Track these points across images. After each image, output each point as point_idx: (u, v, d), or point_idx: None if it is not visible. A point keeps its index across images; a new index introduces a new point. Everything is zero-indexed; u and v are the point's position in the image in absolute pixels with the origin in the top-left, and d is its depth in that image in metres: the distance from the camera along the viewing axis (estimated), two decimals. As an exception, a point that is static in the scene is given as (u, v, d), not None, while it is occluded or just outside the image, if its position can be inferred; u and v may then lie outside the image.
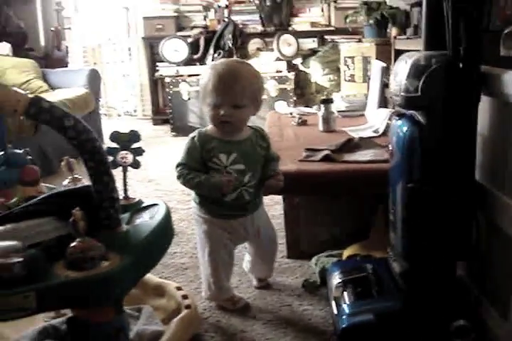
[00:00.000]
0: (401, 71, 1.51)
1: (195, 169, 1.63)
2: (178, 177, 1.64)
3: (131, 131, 1.47)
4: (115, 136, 1.46)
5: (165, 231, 1.38)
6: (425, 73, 1.43)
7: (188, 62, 5.03)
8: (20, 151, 1.37)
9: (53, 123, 1.11)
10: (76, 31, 5.79)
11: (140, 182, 3.34)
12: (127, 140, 1.47)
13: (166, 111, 5.30)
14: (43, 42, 4.96)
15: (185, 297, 1.66)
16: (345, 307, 1.58)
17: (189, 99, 4.88)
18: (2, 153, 1.34)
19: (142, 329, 1.53)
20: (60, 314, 1.66)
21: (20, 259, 1.13)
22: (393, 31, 3.67)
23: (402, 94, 1.49)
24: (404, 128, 1.51)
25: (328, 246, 2.10)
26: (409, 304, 1.56)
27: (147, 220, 1.38)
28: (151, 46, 5.47)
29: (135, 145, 1.49)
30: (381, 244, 1.88)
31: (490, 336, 1.53)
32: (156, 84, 5.59)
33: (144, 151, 1.50)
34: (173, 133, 4.91)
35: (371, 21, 3.87)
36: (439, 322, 1.53)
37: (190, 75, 4.89)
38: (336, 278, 1.73)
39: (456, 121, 1.46)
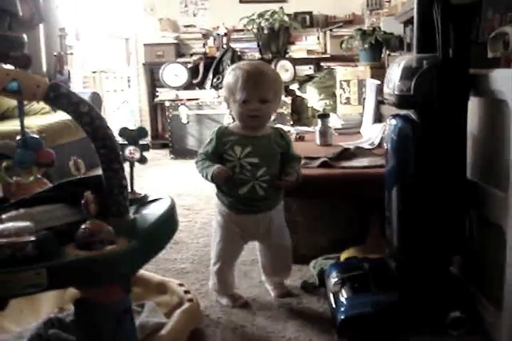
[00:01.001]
0: (394, 73, 1.60)
1: (209, 159, 1.74)
2: (195, 163, 1.78)
3: (139, 127, 1.54)
4: (124, 132, 1.52)
5: (170, 220, 1.44)
6: (417, 74, 1.53)
7: (188, 86, 5.15)
8: (37, 136, 1.44)
9: (70, 109, 1.18)
10: (77, 59, 5.93)
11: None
12: (135, 136, 1.53)
13: (164, 136, 5.40)
14: (45, 67, 5.07)
15: (187, 292, 1.71)
16: (344, 301, 1.63)
17: (188, 122, 4.97)
18: (20, 136, 1.40)
19: (145, 321, 1.57)
20: (64, 309, 1.70)
21: (33, 238, 1.19)
22: (387, 55, 3.81)
23: (395, 93, 1.57)
24: (398, 126, 1.59)
25: (326, 251, 2.14)
26: (405, 297, 1.61)
27: (153, 211, 1.44)
28: (152, 72, 5.61)
29: (142, 142, 1.56)
30: (377, 248, 1.94)
31: (484, 326, 1.57)
32: (156, 109, 5.70)
33: (150, 147, 1.56)
34: (172, 156, 4.98)
35: (366, 46, 4.00)
36: (435, 313, 1.58)
37: (189, 99, 5.00)
38: (334, 277, 1.78)
39: (447, 118, 1.54)
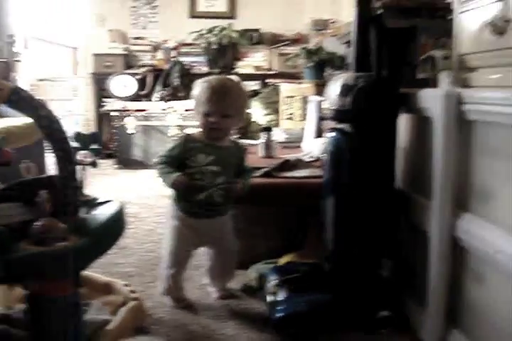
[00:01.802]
0: (333, 89, 1.74)
1: (170, 163, 1.81)
2: (154, 164, 1.87)
3: (93, 132, 1.62)
4: (78, 136, 1.60)
5: (118, 221, 1.52)
6: (353, 91, 1.67)
7: (136, 97, 5.21)
8: (-4, 136, 1.50)
9: (30, 112, 1.25)
10: (23, 67, 5.88)
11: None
12: (88, 140, 1.61)
13: (109, 146, 5.41)
14: (-9, 72, 5.02)
15: (132, 292, 1.78)
16: (281, 301, 1.74)
17: (134, 133, 5.02)
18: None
19: (91, 318, 1.63)
20: (11, 308, 1.74)
21: (-11, 234, 1.25)
22: (329, 73, 3.99)
23: (334, 108, 1.71)
24: (335, 139, 1.72)
25: (265, 257, 2.24)
26: (338, 297, 1.73)
27: (103, 211, 1.52)
28: (99, 82, 5.62)
29: (94, 146, 1.63)
30: (315, 254, 2.06)
31: (411, 325, 1.71)
32: (102, 119, 5.71)
33: (101, 152, 1.64)
34: (117, 166, 5.00)
35: (310, 64, 4.17)
36: (366, 312, 1.70)
37: (137, 110, 5.05)
38: (272, 279, 1.88)
39: (379, 132, 1.69)
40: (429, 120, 1.57)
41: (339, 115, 1.71)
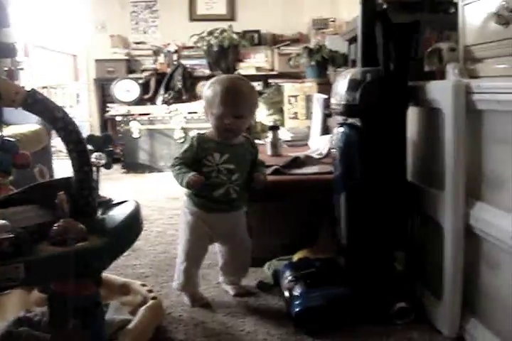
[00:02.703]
0: (341, 85, 1.75)
1: (186, 164, 1.83)
2: (170, 167, 1.87)
3: (105, 134, 1.64)
4: (91, 138, 1.61)
5: (136, 220, 1.54)
6: (361, 85, 1.68)
7: (139, 101, 5.24)
8: (13, 139, 1.52)
9: (46, 114, 1.28)
10: (25, 75, 5.91)
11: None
12: (101, 142, 1.63)
13: (115, 151, 5.44)
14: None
15: (150, 291, 1.79)
16: (298, 296, 1.75)
17: (139, 137, 5.05)
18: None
19: (111, 318, 1.64)
20: (30, 311, 1.76)
21: (10, 235, 1.26)
22: (332, 71, 4.02)
23: (342, 103, 1.72)
24: (345, 133, 1.74)
25: (278, 254, 2.26)
26: (355, 290, 1.74)
27: (120, 211, 1.53)
28: (102, 88, 5.65)
29: (107, 148, 1.65)
30: (327, 250, 2.07)
31: (427, 315, 1.72)
32: (106, 124, 5.74)
33: (115, 153, 1.66)
34: (124, 170, 5.03)
35: (313, 63, 4.20)
36: (382, 305, 1.71)
37: (141, 114, 5.09)
38: (288, 275, 1.89)
39: (389, 125, 1.70)
40: (439, 111, 1.59)
41: (348, 110, 1.73)
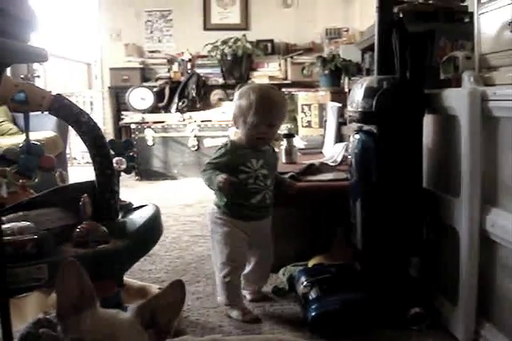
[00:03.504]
0: (357, 92, 1.78)
1: (218, 169, 1.82)
2: (201, 171, 1.87)
3: (126, 139, 1.67)
4: (112, 144, 1.65)
5: (155, 224, 1.57)
6: (378, 93, 1.71)
7: (154, 109, 5.29)
8: (38, 143, 1.55)
9: (71, 119, 1.31)
10: (40, 83, 5.99)
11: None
12: (122, 147, 1.66)
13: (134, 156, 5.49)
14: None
15: (168, 295, 1.81)
16: (314, 301, 1.77)
17: (154, 144, 5.09)
18: (24, 143, 1.51)
19: (130, 321, 1.67)
20: (49, 313, 1.78)
21: (34, 237, 1.30)
22: (346, 80, 4.05)
23: (359, 110, 1.75)
24: (362, 140, 1.76)
25: (293, 260, 2.27)
26: (370, 295, 1.75)
27: (140, 215, 1.57)
28: (117, 96, 5.71)
29: (128, 153, 1.69)
30: (342, 256, 2.09)
31: (442, 321, 1.73)
32: (121, 132, 5.79)
33: (136, 158, 1.69)
34: (138, 178, 5.07)
35: (326, 72, 4.23)
36: (398, 310, 1.73)
37: (155, 122, 5.14)
38: (303, 280, 1.91)
39: (405, 132, 1.72)
40: (454, 118, 1.61)
41: (364, 117, 1.75)
